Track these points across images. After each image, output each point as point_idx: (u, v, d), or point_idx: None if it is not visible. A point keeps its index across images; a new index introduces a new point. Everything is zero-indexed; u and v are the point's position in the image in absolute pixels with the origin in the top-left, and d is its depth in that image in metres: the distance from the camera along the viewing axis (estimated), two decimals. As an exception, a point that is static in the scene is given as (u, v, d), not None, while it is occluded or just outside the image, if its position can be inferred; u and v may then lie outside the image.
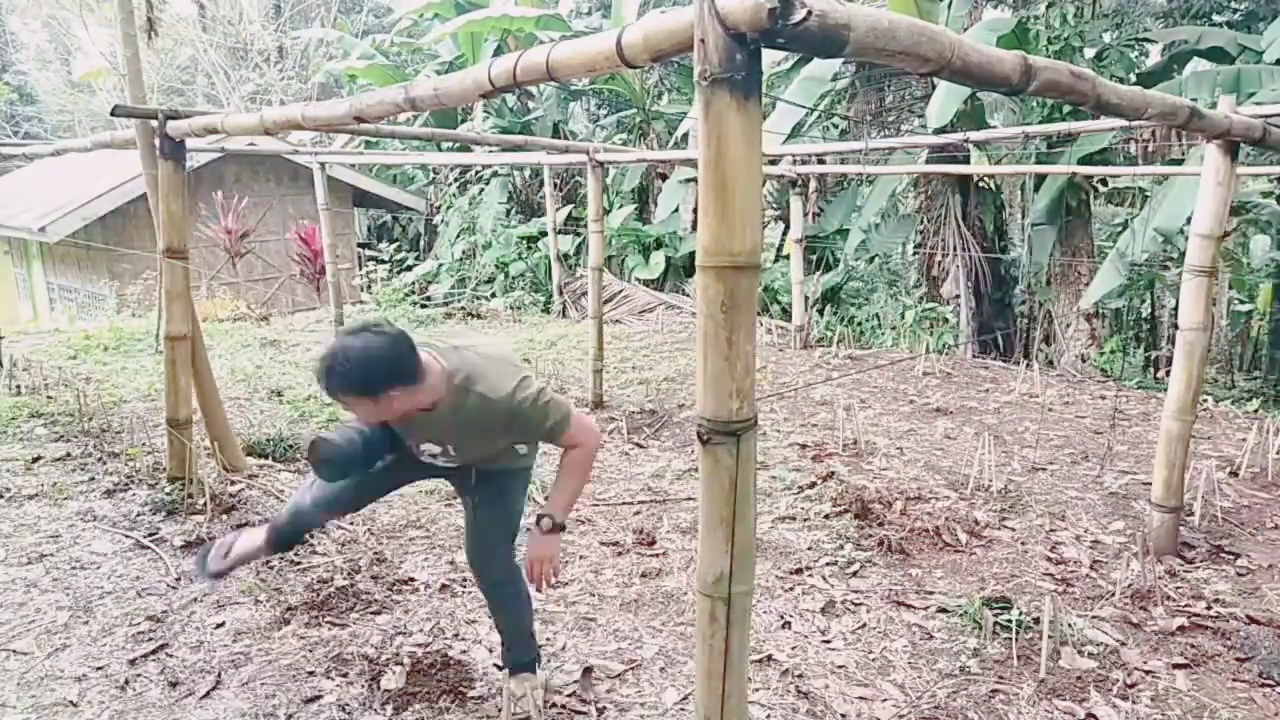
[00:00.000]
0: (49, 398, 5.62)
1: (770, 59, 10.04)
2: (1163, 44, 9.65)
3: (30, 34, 24.36)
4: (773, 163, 7.70)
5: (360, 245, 15.36)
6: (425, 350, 2.10)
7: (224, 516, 3.80)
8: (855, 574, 3.41)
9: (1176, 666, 2.76)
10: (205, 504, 3.80)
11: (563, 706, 2.51)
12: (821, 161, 9.24)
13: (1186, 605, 3.15)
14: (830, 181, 13.21)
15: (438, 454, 2.30)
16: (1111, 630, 2.97)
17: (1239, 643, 2.90)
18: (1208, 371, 10.03)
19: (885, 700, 2.58)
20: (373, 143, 12.62)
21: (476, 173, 12.81)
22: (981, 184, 10.10)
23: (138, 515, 3.81)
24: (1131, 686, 2.64)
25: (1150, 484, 3.68)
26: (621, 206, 11.92)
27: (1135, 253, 8.14)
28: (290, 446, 4.69)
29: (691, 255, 9.79)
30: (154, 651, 2.76)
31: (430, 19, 13.24)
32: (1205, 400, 6.21)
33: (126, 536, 3.58)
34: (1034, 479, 4.53)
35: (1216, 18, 10.56)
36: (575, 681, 2.63)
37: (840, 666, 2.76)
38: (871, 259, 11.35)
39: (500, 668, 2.63)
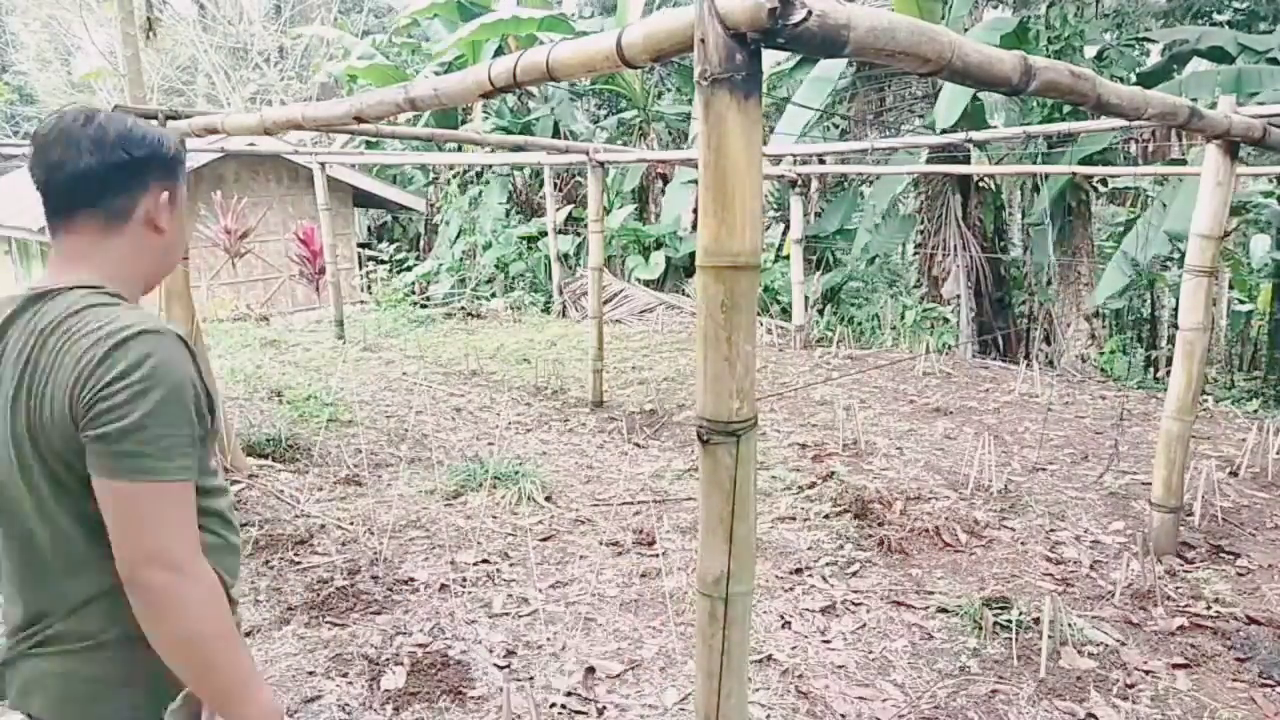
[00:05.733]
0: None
1: (771, 59, 10.05)
2: (1163, 44, 9.66)
3: (30, 34, 24.35)
4: (773, 163, 7.70)
5: (360, 245, 15.35)
6: None
7: (224, 516, 3.80)
8: (855, 574, 3.40)
9: (1176, 666, 2.76)
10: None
11: (563, 706, 2.51)
12: (822, 161, 9.24)
13: (1186, 605, 3.15)
14: (830, 181, 13.22)
15: None
16: (1111, 630, 2.97)
17: (1239, 643, 2.90)
18: (1208, 371, 10.04)
19: (885, 700, 2.58)
20: (373, 143, 12.61)
21: (478, 173, 12.81)
22: (981, 184, 10.10)
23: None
24: (1131, 686, 2.64)
25: (1150, 484, 3.68)
26: (621, 206, 11.92)
27: (1144, 256, 8.16)
28: (290, 446, 4.69)
29: (691, 255, 9.79)
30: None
31: (431, 19, 13.24)
32: (1205, 400, 6.21)
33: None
34: (1034, 479, 4.53)
35: (1217, 17, 10.56)
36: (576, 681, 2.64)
37: (840, 666, 2.76)
38: (872, 259, 11.36)
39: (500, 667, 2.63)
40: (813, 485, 4.36)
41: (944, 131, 8.22)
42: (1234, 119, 3.05)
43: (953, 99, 8.35)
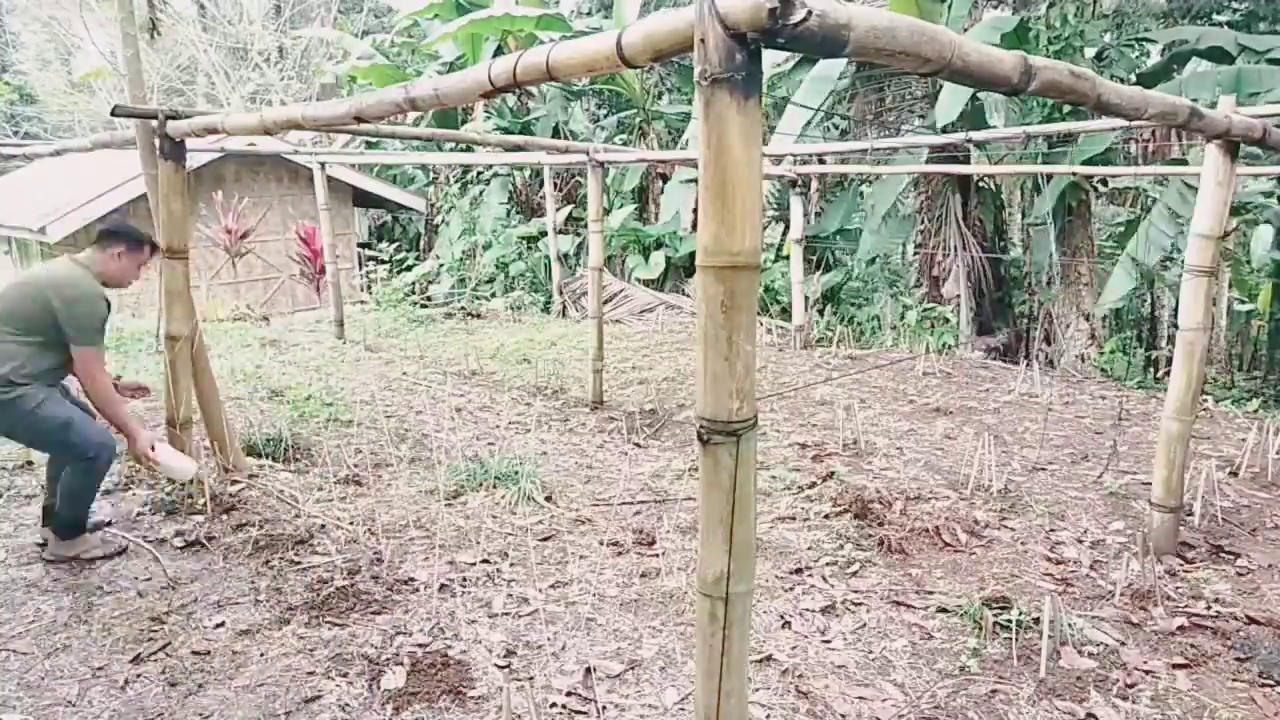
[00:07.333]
0: (49, 398, 5.61)
1: (771, 59, 10.05)
2: (1163, 44, 9.66)
3: (30, 34, 24.33)
4: (774, 163, 7.71)
5: (360, 245, 15.35)
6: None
7: (224, 516, 3.80)
8: (855, 574, 3.40)
9: (1176, 666, 2.76)
10: (205, 504, 3.80)
11: (563, 707, 2.51)
12: (822, 161, 9.25)
13: (1186, 605, 3.15)
14: (830, 181, 13.22)
15: None
16: (1111, 630, 2.97)
17: (1239, 643, 2.90)
18: (1208, 371, 10.04)
19: (885, 700, 2.58)
20: (373, 143, 12.62)
21: (479, 173, 12.82)
22: (981, 184, 10.10)
23: (137, 515, 3.81)
24: (1131, 686, 2.64)
25: (1150, 484, 3.68)
26: (621, 206, 11.92)
27: (1152, 259, 8.18)
28: (290, 446, 4.69)
29: (691, 255, 9.79)
30: (154, 652, 2.76)
31: (431, 19, 13.24)
32: (1205, 400, 6.21)
33: (126, 536, 3.58)
34: (1034, 479, 4.53)
35: (1217, 17, 10.56)
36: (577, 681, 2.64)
37: (840, 666, 2.76)
38: (872, 260, 11.38)
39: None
40: (813, 485, 4.36)
41: (944, 129, 8.23)
42: (1234, 119, 3.05)
43: (953, 96, 8.37)
